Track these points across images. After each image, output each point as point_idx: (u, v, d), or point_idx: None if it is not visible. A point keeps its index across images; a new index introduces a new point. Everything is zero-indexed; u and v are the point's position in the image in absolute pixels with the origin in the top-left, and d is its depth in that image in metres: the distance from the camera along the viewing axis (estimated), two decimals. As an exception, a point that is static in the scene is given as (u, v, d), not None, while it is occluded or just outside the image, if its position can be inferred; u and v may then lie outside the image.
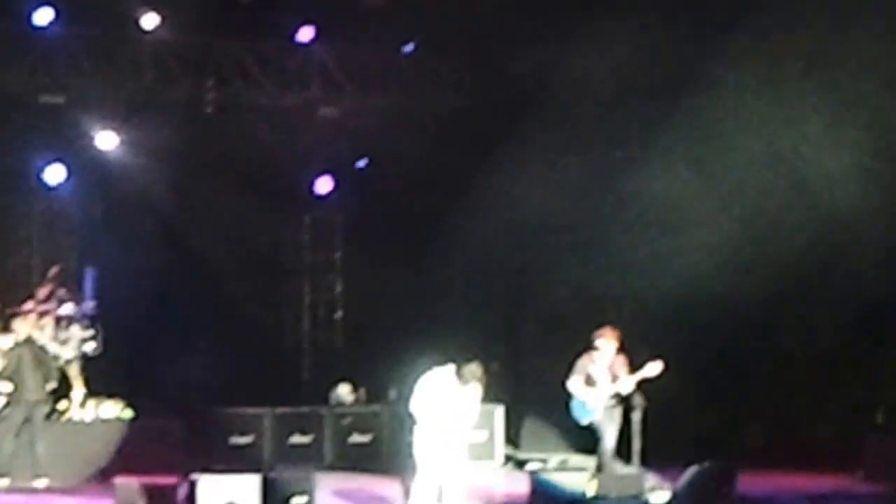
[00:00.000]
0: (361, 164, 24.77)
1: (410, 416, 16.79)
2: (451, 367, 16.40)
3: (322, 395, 23.42)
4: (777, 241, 21.16)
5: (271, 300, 25.08)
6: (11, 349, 20.18)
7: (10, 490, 19.44)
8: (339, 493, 19.25)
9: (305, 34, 23.77)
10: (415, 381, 16.51)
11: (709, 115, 21.27)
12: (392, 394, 22.14)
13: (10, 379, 20.09)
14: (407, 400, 16.86)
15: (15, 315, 20.74)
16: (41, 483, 19.74)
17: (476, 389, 16.48)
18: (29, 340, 20.21)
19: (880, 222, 20.88)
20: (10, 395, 20.11)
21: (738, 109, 21.37)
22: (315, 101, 23.77)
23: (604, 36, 20.75)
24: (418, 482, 16.75)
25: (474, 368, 16.40)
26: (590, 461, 19.91)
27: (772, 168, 21.41)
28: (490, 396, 22.19)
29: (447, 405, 16.41)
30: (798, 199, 21.33)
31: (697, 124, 21.25)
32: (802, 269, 21.57)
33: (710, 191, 21.75)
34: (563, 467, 20.19)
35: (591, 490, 18.57)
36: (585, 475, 19.11)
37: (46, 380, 20.35)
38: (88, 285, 22.27)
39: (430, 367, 16.41)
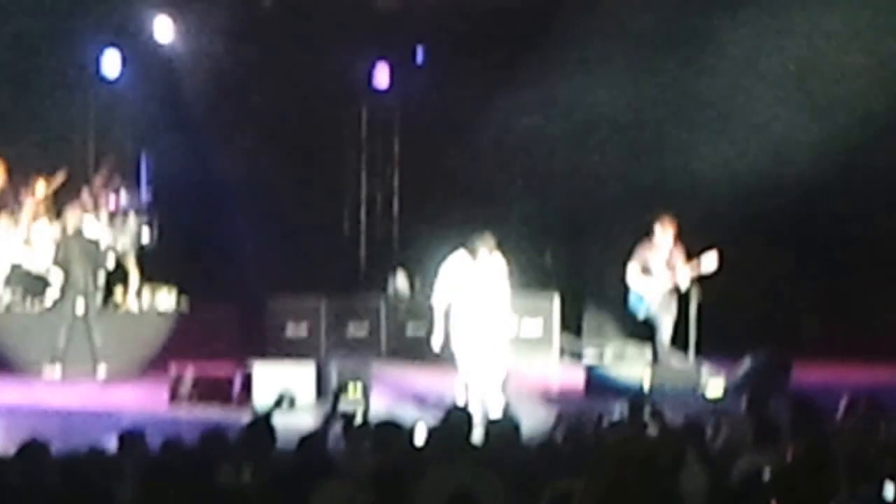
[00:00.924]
0: (419, 56, 24.55)
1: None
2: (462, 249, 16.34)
3: (379, 285, 23.40)
4: (835, 133, 20.92)
5: (329, 191, 24.97)
6: (62, 239, 20.20)
7: (66, 379, 19.55)
8: (395, 383, 19.28)
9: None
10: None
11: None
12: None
13: (60, 268, 20.14)
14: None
15: (68, 203, 20.77)
16: (101, 372, 19.83)
17: (493, 262, 16.38)
18: (79, 230, 20.22)
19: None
20: (61, 286, 20.19)
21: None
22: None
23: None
24: (459, 376, 16.71)
25: (484, 239, 16.30)
26: (646, 352, 19.85)
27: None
28: (545, 285, 22.38)
29: (468, 287, 16.34)
30: (863, 86, 21.14)
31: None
32: (861, 160, 21.39)
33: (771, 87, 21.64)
34: (619, 357, 20.10)
35: (647, 382, 18.56)
36: (641, 367, 19.12)
37: (96, 270, 20.39)
38: (144, 173, 22.28)
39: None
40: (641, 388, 18.12)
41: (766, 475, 9.64)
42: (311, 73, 23.20)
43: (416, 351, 21.60)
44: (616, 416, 12.49)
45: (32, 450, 10.51)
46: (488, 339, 16.53)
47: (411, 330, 22.24)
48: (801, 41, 21.59)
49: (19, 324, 20.49)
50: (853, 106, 21.12)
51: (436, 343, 16.71)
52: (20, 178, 21.21)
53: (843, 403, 12.60)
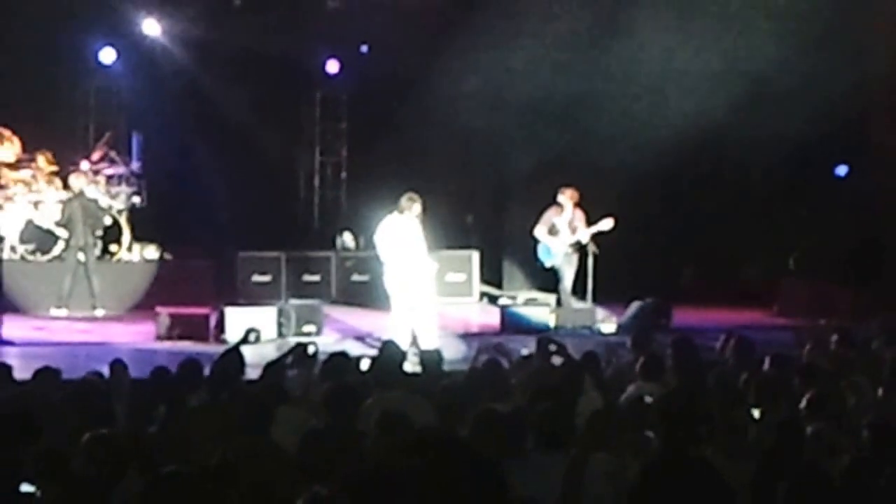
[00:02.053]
0: (364, 49, 24.46)
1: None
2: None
3: (329, 241, 23.34)
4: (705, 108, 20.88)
5: (288, 163, 24.93)
6: (66, 201, 20.19)
7: (70, 318, 19.47)
8: (342, 323, 19.28)
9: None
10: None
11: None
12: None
13: (65, 226, 20.12)
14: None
15: (71, 172, 20.71)
16: (99, 312, 19.77)
17: (413, 216, 16.46)
18: (81, 194, 20.16)
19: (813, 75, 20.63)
20: (66, 240, 20.17)
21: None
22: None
23: None
24: (393, 316, 16.70)
25: (408, 196, 16.38)
26: (551, 298, 19.86)
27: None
28: (467, 243, 22.35)
29: (399, 240, 16.42)
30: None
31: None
32: (737, 123, 21.36)
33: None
34: (529, 303, 20.09)
35: (552, 321, 18.63)
36: (547, 309, 19.15)
37: (95, 227, 20.34)
38: (135, 148, 22.17)
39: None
40: (547, 326, 18.16)
41: (649, 400, 9.65)
42: (273, 62, 22.95)
43: (360, 296, 21.61)
44: (525, 351, 12.45)
45: (45, 375, 10.60)
46: (419, 285, 16.54)
47: (356, 278, 22.23)
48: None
49: (31, 272, 20.32)
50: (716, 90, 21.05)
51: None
52: (32, 150, 21.03)
53: (720, 341, 12.63)
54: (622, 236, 19.21)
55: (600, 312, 19.08)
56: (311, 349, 11.40)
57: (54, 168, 20.99)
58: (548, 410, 8.36)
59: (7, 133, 20.95)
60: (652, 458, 7.93)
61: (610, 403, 9.88)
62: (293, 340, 14.94)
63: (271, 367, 10.88)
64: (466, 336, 17.79)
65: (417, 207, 16.42)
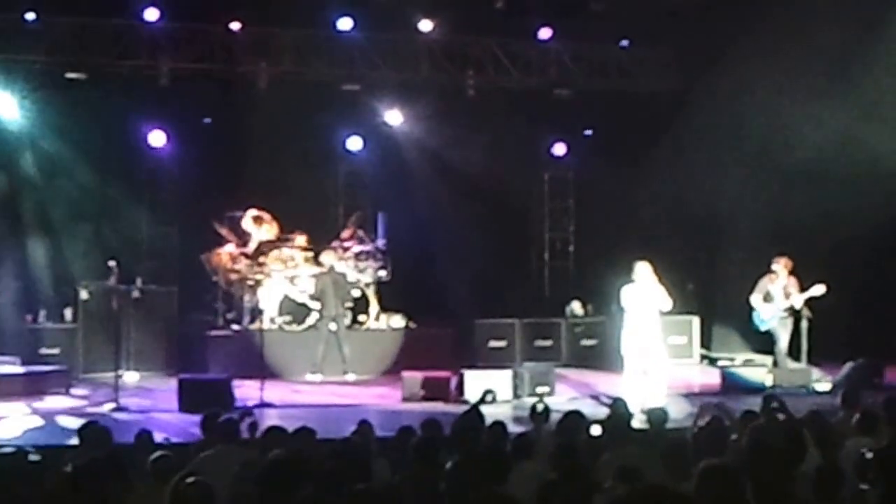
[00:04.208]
0: (588, 132, 24.50)
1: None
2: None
3: (559, 309, 23.26)
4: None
5: (520, 238, 25.04)
6: (319, 276, 20.51)
7: (324, 382, 19.72)
8: (572, 383, 19.14)
9: (545, 33, 23.43)
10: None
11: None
12: (613, 308, 21.89)
13: (318, 299, 20.42)
14: (619, 312, 16.73)
15: (323, 250, 21.05)
16: (349, 377, 19.97)
17: (646, 282, 16.31)
18: (332, 270, 20.50)
19: None
20: (319, 311, 20.45)
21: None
22: (551, 85, 23.44)
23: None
24: (626, 377, 16.57)
25: (639, 266, 16.25)
26: (768, 359, 19.46)
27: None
28: (688, 308, 22.03)
29: (637, 303, 16.32)
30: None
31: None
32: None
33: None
34: (747, 364, 19.70)
35: (769, 381, 18.24)
36: (765, 370, 18.78)
37: (345, 300, 20.64)
38: (381, 227, 22.43)
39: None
40: (765, 386, 17.78)
41: (868, 454, 9.31)
42: (506, 146, 23.18)
43: (588, 359, 21.50)
44: (747, 408, 12.18)
45: (303, 434, 10.63)
46: (651, 348, 16.40)
47: (584, 342, 22.24)
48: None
49: (288, 341, 20.64)
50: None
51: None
52: (290, 231, 21.49)
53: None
54: (835, 302, 18.70)
55: (815, 372, 18.63)
56: (540, 407, 11.31)
57: (309, 247, 21.38)
58: (770, 466, 8.13)
59: (267, 217, 21.43)
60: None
61: (830, 459, 9.57)
62: (528, 401, 14.91)
63: (498, 427, 10.82)
64: (689, 395, 17.51)
65: (648, 274, 16.28)
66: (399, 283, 22.05)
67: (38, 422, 15.55)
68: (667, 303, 16.29)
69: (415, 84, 22.93)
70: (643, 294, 16.25)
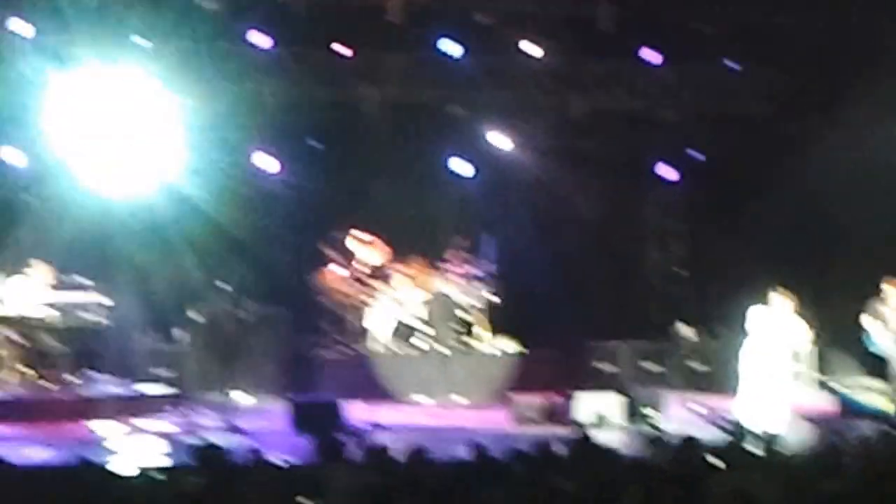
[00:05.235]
0: (696, 154, 24.30)
1: (736, 347, 16.47)
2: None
3: (669, 332, 23.08)
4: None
5: (630, 260, 24.89)
6: (429, 301, 20.60)
7: (434, 405, 19.74)
8: (682, 407, 18.96)
9: (653, 56, 23.24)
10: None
11: None
12: (723, 331, 21.68)
13: (428, 323, 20.51)
14: (732, 336, 16.62)
15: (431, 273, 21.11)
16: (459, 400, 19.97)
17: (780, 310, 16.17)
18: (440, 293, 20.56)
19: None
20: (427, 334, 20.53)
21: None
22: (657, 108, 23.32)
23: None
24: (742, 398, 16.42)
25: (772, 294, 16.12)
26: (884, 385, 19.10)
27: None
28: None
29: (764, 328, 16.20)
30: None
31: None
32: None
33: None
34: (863, 389, 19.36)
35: (887, 406, 18.00)
36: (882, 394, 18.51)
37: (455, 324, 20.75)
38: (490, 250, 22.43)
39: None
40: (882, 411, 17.52)
41: None
42: (618, 167, 23.13)
43: (698, 383, 21.31)
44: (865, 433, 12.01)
45: (416, 455, 10.64)
46: (773, 372, 16.28)
47: (694, 366, 22.05)
48: None
49: (399, 364, 20.73)
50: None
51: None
52: (401, 256, 21.61)
53: None
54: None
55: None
56: (653, 432, 11.23)
57: (420, 271, 21.43)
58: (886, 491, 8.02)
59: (378, 241, 21.56)
60: None
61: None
62: (639, 425, 14.81)
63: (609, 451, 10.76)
64: (805, 420, 17.24)
65: (779, 301, 16.18)
66: (508, 306, 21.98)
67: (153, 442, 15.72)
68: (807, 339, 16.17)
69: (519, 106, 22.92)
70: (776, 322, 16.15)
